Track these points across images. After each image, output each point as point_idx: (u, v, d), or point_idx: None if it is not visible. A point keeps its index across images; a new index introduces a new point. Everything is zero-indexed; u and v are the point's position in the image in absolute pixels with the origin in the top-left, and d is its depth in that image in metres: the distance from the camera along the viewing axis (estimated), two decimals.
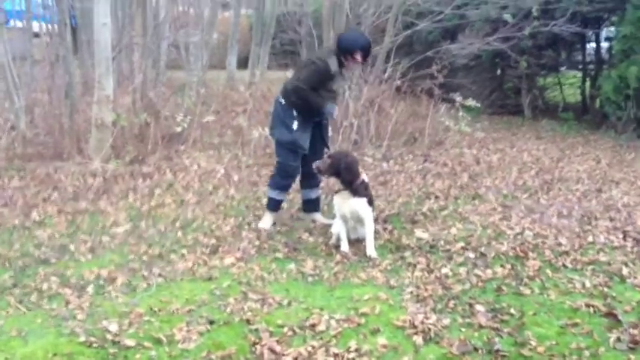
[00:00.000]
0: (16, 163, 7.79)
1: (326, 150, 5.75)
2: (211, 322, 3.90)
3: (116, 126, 8.17)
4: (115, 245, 5.35)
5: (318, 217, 6.02)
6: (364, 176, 5.29)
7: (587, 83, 13.31)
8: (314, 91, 5.50)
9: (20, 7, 12.62)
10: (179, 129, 8.53)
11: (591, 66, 13.45)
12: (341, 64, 5.54)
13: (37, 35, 13.01)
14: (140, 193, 6.93)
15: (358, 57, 5.49)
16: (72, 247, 5.25)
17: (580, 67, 13.83)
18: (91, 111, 8.27)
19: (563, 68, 14.30)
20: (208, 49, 15.46)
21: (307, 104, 5.56)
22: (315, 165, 5.25)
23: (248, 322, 3.91)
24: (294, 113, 5.60)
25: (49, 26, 12.19)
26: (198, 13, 12.78)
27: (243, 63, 16.77)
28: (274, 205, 5.87)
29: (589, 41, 13.47)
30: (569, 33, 10.97)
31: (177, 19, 12.06)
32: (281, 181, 5.81)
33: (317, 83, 5.51)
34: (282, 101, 5.70)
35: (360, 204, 5.15)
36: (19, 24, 12.82)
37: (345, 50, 5.48)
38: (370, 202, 5.24)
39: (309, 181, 5.94)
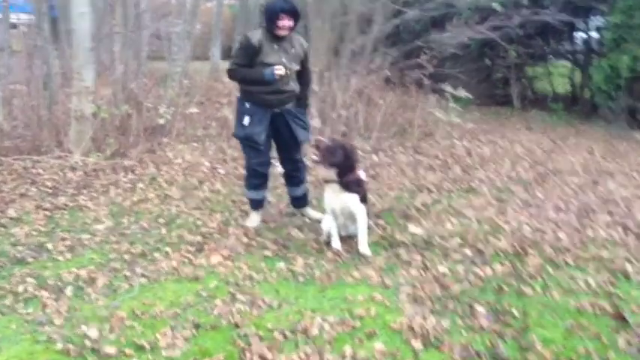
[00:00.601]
0: None
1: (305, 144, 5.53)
2: (197, 327, 3.68)
3: (96, 118, 7.89)
4: (96, 243, 5.09)
5: (308, 211, 5.80)
6: (361, 173, 5.06)
7: (577, 73, 13.15)
8: (243, 67, 5.15)
9: None
10: (162, 121, 8.27)
11: (580, 55, 13.29)
12: (274, 36, 5.06)
13: (14, 26, 12.68)
14: (122, 187, 6.67)
15: (285, 21, 4.99)
16: (50, 246, 4.99)
17: (569, 56, 13.67)
18: (71, 103, 7.98)
19: (551, 58, 14.12)
20: (191, 39, 15.18)
21: (244, 81, 5.24)
22: (315, 139, 4.99)
23: (236, 325, 3.69)
24: (247, 106, 5.24)
25: (28, 16, 11.84)
26: (180, 2, 12.43)
27: (227, 54, 16.46)
28: (255, 205, 5.62)
29: (578, 30, 13.31)
30: (559, 22, 10.79)
31: (159, 8, 11.70)
32: (251, 179, 5.51)
33: (241, 58, 5.15)
34: (238, 95, 5.43)
35: (351, 200, 4.92)
36: None
37: (269, 19, 5.03)
38: (364, 199, 5.02)
39: (292, 179, 5.67)
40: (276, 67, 5.00)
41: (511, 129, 10.82)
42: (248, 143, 5.30)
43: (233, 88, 10.09)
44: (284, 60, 5.11)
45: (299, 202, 5.81)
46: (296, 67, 5.25)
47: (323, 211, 5.31)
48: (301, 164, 5.66)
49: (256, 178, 5.47)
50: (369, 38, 9.98)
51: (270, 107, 5.24)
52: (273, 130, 5.37)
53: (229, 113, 8.51)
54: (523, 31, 11.56)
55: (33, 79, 8.98)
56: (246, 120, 5.22)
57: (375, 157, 8.04)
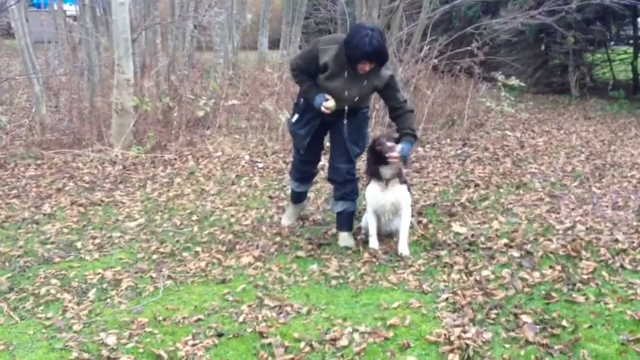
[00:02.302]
0: (34, 151, 7.46)
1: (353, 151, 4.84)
2: (220, 335, 3.46)
3: (138, 111, 7.81)
4: (125, 242, 4.95)
5: (342, 236, 4.97)
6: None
7: (639, 59, 12.48)
8: (303, 72, 4.63)
9: None
10: (201, 113, 8.11)
11: None
12: (351, 66, 4.38)
13: (75, 18, 12.77)
14: (159, 182, 6.55)
15: (367, 66, 4.32)
16: (79, 244, 4.88)
17: (631, 42, 12.99)
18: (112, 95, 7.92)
19: (612, 43, 13.45)
20: (240, 29, 15.08)
21: (300, 89, 4.77)
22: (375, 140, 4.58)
23: (261, 334, 3.46)
24: (301, 103, 4.81)
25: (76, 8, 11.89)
26: None
27: (276, 43, 16.30)
28: (295, 197, 5.33)
29: None
30: (620, 5, 10.19)
31: None
32: (295, 172, 5.17)
33: (303, 63, 4.60)
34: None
35: (402, 192, 4.63)
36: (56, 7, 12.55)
37: (349, 59, 4.32)
38: (408, 190, 4.74)
39: (335, 190, 4.95)
40: (327, 103, 4.47)
41: (568, 119, 10.31)
42: (292, 140, 5.06)
43: (278, 80, 9.88)
44: (346, 92, 4.47)
45: (337, 220, 4.99)
46: (358, 100, 4.57)
47: (362, 207, 5.04)
48: (345, 177, 4.80)
49: (299, 172, 5.15)
50: (417, 26, 9.62)
51: (324, 116, 4.67)
52: (323, 134, 4.95)
53: (269, 105, 8.29)
54: (581, 15, 11.00)
55: (76, 71, 8.99)
56: (296, 118, 4.84)
57: (421, 150, 7.71)
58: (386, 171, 4.57)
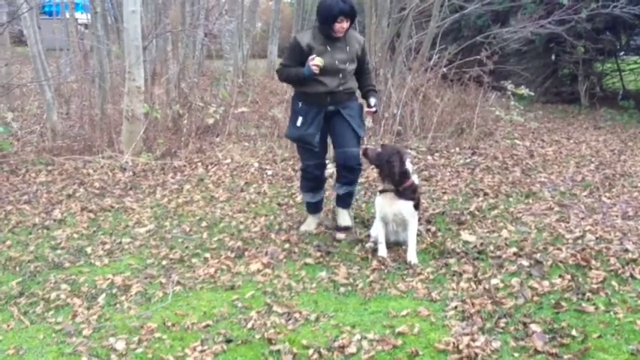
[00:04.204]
0: (45, 157, 7.51)
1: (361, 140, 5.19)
2: (228, 341, 3.48)
3: (148, 118, 7.85)
4: (135, 248, 4.97)
5: (342, 213, 5.33)
6: (415, 178, 4.76)
7: None
8: (288, 68, 4.93)
9: None
10: (211, 120, 8.15)
11: None
12: (328, 37, 4.77)
13: (87, 26, 12.87)
14: (169, 188, 6.57)
15: (344, 24, 4.69)
16: (89, 250, 4.91)
17: None
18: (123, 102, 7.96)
19: (622, 53, 13.40)
20: (250, 38, 15.15)
21: (289, 81, 5.09)
22: (362, 148, 4.79)
23: (270, 341, 3.47)
24: (300, 105, 4.99)
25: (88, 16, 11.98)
26: (233, 0, 12.36)
27: (284, 52, 16.35)
28: (312, 208, 5.38)
29: None
30: (630, 15, 10.17)
31: (214, 6, 11.64)
32: (306, 182, 5.26)
33: (289, 61, 4.92)
34: (292, 94, 5.22)
35: (405, 207, 4.66)
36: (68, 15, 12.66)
37: (324, 21, 4.70)
38: (417, 206, 4.76)
39: (343, 177, 5.18)
40: (313, 61, 4.69)
41: (577, 128, 10.27)
42: (302, 145, 5.06)
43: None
44: (336, 62, 4.80)
45: (339, 200, 5.32)
46: (351, 66, 4.93)
47: (371, 216, 5.05)
48: (357, 160, 5.09)
49: (311, 181, 5.21)
50: (427, 35, 9.64)
51: (325, 106, 4.95)
52: (330, 127, 5.09)
53: (278, 112, 8.32)
54: (591, 25, 10.97)
55: (87, 78, 9.05)
56: (300, 121, 4.96)
57: (430, 158, 7.71)
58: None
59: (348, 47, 4.87)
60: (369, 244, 4.89)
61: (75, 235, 5.24)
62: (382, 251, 4.73)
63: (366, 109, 5.06)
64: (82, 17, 14.55)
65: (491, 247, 4.78)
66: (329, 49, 4.81)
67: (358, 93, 5.24)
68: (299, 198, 6.16)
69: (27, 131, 8.71)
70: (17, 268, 4.55)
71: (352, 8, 4.69)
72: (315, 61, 4.69)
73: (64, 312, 3.89)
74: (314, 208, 5.39)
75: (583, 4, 10.12)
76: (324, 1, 4.73)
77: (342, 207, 5.30)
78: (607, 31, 11.91)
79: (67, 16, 12.50)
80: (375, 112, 5.09)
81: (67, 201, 6.15)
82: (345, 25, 4.73)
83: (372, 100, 5.03)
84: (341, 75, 4.88)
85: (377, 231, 4.82)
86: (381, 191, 4.74)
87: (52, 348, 3.44)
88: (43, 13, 16.49)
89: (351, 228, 5.22)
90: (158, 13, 10.73)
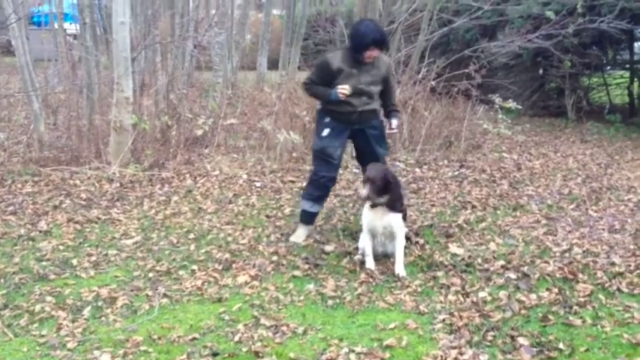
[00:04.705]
0: (32, 168, 7.45)
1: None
2: (215, 354, 3.46)
3: (136, 129, 7.81)
4: (122, 259, 4.93)
5: None
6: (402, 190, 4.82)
7: (636, 83, 12.53)
8: (315, 84, 5.17)
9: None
10: (200, 132, 8.13)
11: (639, 65, 12.67)
12: (357, 60, 4.97)
13: (75, 37, 12.84)
14: (156, 200, 6.54)
15: (374, 52, 4.92)
16: (75, 262, 4.87)
17: (627, 66, 13.06)
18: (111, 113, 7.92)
19: (609, 68, 13.51)
20: (239, 49, 15.15)
21: (315, 97, 5.39)
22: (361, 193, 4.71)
23: (257, 354, 3.45)
24: (327, 119, 5.20)
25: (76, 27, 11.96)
26: (223, 12, 12.37)
27: (275, 64, 16.37)
28: (307, 218, 5.40)
29: (637, 39, 12.70)
30: (617, 30, 10.26)
31: (204, 18, 11.66)
32: (313, 191, 5.35)
33: (317, 77, 5.16)
34: (318, 106, 5.44)
35: (395, 220, 4.69)
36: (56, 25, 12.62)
37: (356, 47, 4.92)
38: (404, 217, 4.78)
39: None
40: (341, 87, 4.94)
41: (564, 142, 10.32)
42: (322, 156, 5.23)
43: (276, 100, 9.89)
44: (362, 85, 5.01)
45: None
46: (378, 87, 5.15)
47: (359, 228, 5.05)
48: None
49: (319, 190, 5.35)
50: (416, 48, 9.69)
51: (351, 124, 5.18)
52: (355, 144, 5.42)
53: (267, 124, 8.31)
54: (578, 39, 11.05)
55: (75, 89, 9.02)
56: (326, 132, 5.19)
57: (418, 171, 7.72)
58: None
59: (375, 70, 5.06)
60: (357, 257, 4.88)
61: (61, 247, 5.19)
62: (370, 263, 4.72)
63: (387, 130, 5.33)
64: (71, 28, 14.51)
65: (479, 260, 4.79)
66: (357, 72, 5.00)
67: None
68: (287, 210, 6.15)
69: (14, 141, 8.64)
70: (1, 280, 4.48)
71: (385, 39, 4.96)
72: (344, 90, 4.92)
73: (48, 324, 3.85)
74: (309, 218, 5.41)
75: (570, 19, 10.19)
76: (358, 29, 4.96)
77: None
78: (594, 45, 12.01)
79: (56, 26, 12.45)
80: (396, 132, 5.48)
81: (53, 212, 6.10)
82: (376, 53, 4.95)
83: (394, 122, 5.32)
84: (367, 96, 5.11)
85: (364, 243, 4.81)
86: (373, 205, 4.73)
87: None
88: (32, 24, 16.47)
89: None
90: (147, 24, 10.72)
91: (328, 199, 6.43)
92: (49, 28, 13.58)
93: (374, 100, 5.19)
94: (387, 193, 4.63)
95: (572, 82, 12.41)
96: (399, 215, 4.71)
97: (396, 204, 4.68)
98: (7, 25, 7.87)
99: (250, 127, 9.46)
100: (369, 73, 5.03)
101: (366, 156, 5.28)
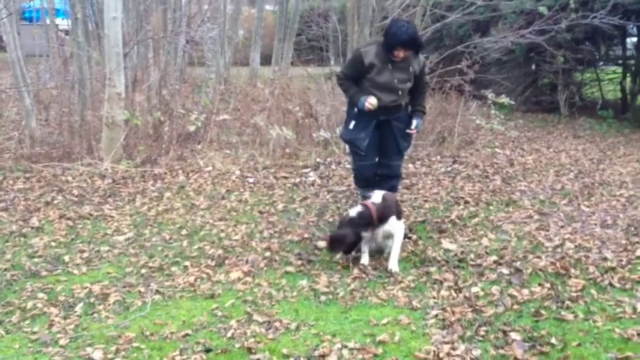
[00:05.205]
0: (23, 164, 7.42)
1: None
2: (208, 351, 3.45)
3: (129, 125, 7.79)
4: (114, 256, 4.92)
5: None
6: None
7: (628, 79, 12.57)
8: (351, 80, 5.28)
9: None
10: (192, 128, 8.10)
11: (632, 61, 12.71)
12: (388, 57, 5.08)
13: (67, 32, 12.78)
14: (149, 196, 6.52)
15: (401, 53, 5.02)
16: (67, 258, 4.85)
17: (620, 62, 13.09)
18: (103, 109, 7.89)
19: (601, 63, 13.54)
20: (232, 45, 15.12)
21: (346, 95, 5.49)
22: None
23: (250, 350, 3.44)
24: (354, 111, 5.33)
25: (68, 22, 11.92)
26: (216, 7, 12.33)
27: (268, 59, 16.35)
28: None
29: (630, 35, 12.73)
30: (610, 26, 10.27)
31: (196, 13, 11.62)
32: (356, 180, 5.72)
33: (350, 71, 5.30)
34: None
35: (390, 225, 4.72)
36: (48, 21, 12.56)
37: (387, 45, 5.04)
38: (399, 216, 4.81)
39: (383, 184, 5.43)
40: (370, 100, 5.09)
41: (557, 137, 10.35)
42: (352, 148, 5.47)
43: (269, 95, 9.88)
44: (395, 80, 5.13)
45: None
46: (408, 84, 5.24)
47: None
48: (397, 171, 5.64)
49: (362, 180, 5.58)
50: None
51: (377, 116, 5.28)
52: (378, 135, 5.43)
53: (260, 120, 8.29)
54: (571, 35, 11.08)
55: (67, 85, 8.97)
56: (352, 124, 5.36)
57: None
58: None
59: (408, 68, 5.16)
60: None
61: (53, 243, 5.17)
62: (365, 259, 4.73)
63: (408, 129, 5.40)
64: (63, 23, 14.45)
65: (472, 256, 4.80)
66: (390, 67, 5.12)
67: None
68: (280, 206, 6.15)
69: (5, 137, 8.61)
70: None
71: (413, 41, 4.98)
72: (372, 102, 5.09)
73: (40, 321, 3.83)
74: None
75: (563, 15, 10.18)
76: (390, 27, 5.06)
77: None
78: (586, 41, 12.04)
79: (48, 22, 12.39)
80: (415, 133, 5.52)
81: (45, 208, 6.07)
82: (403, 54, 5.04)
83: (414, 123, 5.37)
84: (398, 92, 5.22)
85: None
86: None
87: (28, 358, 3.38)
88: (23, 19, 16.38)
89: None
90: (139, 19, 10.68)
91: (321, 194, 6.49)
92: (41, 24, 13.50)
93: (403, 96, 5.29)
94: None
95: (565, 78, 12.43)
96: (393, 217, 4.72)
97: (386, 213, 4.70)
98: None
99: (243, 123, 9.44)
100: (401, 71, 5.13)
101: (389, 148, 5.43)
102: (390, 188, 5.39)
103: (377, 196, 4.81)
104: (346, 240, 4.56)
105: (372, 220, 4.63)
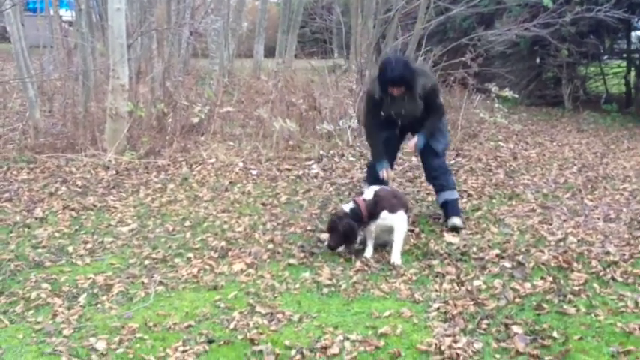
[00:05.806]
0: (27, 155, 7.45)
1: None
2: (210, 341, 3.47)
3: (132, 116, 7.80)
4: (117, 247, 4.94)
5: (453, 221, 5.32)
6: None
7: (632, 73, 12.53)
8: (376, 127, 5.36)
9: None
10: (196, 119, 8.11)
11: (636, 55, 12.67)
12: (388, 93, 5.13)
13: (71, 23, 12.77)
14: (152, 188, 6.54)
15: (395, 90, 5.03)
16: (71, 249, 4.87)
17: (624, 55, 13.05)
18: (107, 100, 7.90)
19: (606, 57, 13.49)
20: (236, 37, 15.10)
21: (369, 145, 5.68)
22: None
23: (252, 341, 3.46)
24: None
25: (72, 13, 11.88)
26: None
27: (272, 52, 16.32)
28: None
29: (634, 28, 12.69)
30: (614, 19, 10.24)
31: (200, 5, 11.60)
32: (368, 178, 5.69)
33: (373, 113, 5.34)
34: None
35: (392, 219, 4.72)
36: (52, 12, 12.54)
37: (380, 85, 5.11)
38: (406, 210, 4.85)
39: (433, 187, 5.58)
40: (385, 172, 5.24)
41: (561, 131, 10.33)
42: (369, 169, 5.62)
43: (272, 88, 9.87)
44: (404, 111, 5.19)
45: (444, 211, 5.45)
46: (420, 110, 5.22)
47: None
48: (440, 171, 5.44)
49: (374, 179, 5.41)
50: (413, 36, 9.66)
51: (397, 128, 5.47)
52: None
53: (264, 112, 8.30)
54: (575, 28, 11.05)
55: (70, 76, 8.98)
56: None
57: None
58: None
59: (414, 95, 5.13)
60: (354, 245, 4.87)
61: (56, 234, 5.19)
62: (369, 252, 4.75)
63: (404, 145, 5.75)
64: (67, 14, 14.44)
65: (474, 249, 4.81)
66: (393, 101, 5.16)
67: None
68: (283, 198, 6.17)
69: (9, 129, 8.63)
70: None
71: (402, 79, 4.98)
72: (386, 175, 5.25)
73: (44, 311, 3.85)
74: None
75: (567, 8, 10.16)
76: (380, 64, 5.23)
77: (449, 217, 5.36)
78: (591, 34, 11.99)
79: (52, 13, 12.38)
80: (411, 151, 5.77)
81: (48, 199, 6.10)
82: (397, 90, 5.05)
83: (413, 142, 5.38)
84: (410, 117, 5.28)
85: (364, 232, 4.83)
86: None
87: (32, 347, 3.40)
88: (27, 10, 16.34)
89: (461, 227, 5.28)
90: (143, 11, 10.65)
91: (324, 187, 6.50)
92: (45, 15, 13.48)
93: (419, 116, 5.28)
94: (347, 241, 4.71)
95: (569, 72, 12.40)
96: (398, 214, 4.72)
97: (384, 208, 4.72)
98: (3, 11, 7.83)
99: (246, 115, 9.45)
100: (405, 102, 5.15)
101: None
102: (441, 188, 5.40)
103: (369, 192, 4.83)
104: (345, 232, 4.63)
105: (361, 216, 4.65)
